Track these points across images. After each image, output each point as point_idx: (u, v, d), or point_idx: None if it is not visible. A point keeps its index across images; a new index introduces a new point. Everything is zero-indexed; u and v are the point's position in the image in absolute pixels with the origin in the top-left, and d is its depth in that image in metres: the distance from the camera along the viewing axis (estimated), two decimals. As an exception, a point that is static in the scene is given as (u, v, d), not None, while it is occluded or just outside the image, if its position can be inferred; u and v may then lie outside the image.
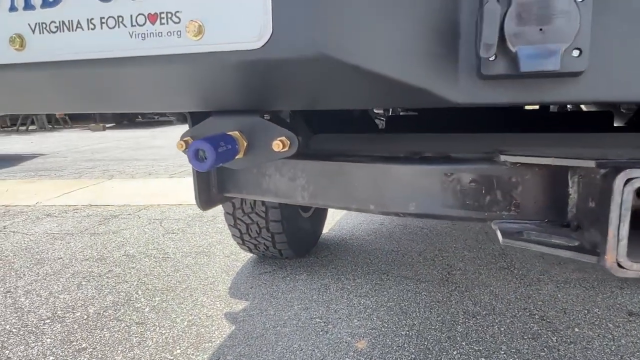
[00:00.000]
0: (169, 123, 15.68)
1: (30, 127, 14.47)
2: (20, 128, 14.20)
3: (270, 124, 0.74)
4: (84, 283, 2.28)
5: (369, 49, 0.52)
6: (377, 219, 3.42)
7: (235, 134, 0.75)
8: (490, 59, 0.53)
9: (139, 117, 17.72)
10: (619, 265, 0.64)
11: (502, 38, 0.52)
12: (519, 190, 0.71)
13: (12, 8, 0.59)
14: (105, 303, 2.05)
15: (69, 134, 13.12)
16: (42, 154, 8.14)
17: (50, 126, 14.84)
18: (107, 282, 2.28)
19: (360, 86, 0.59)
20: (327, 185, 0.86)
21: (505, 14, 0.50)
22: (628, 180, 0.62)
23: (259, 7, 0.52)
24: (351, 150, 0.89)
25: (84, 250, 2.79)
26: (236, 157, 0.75)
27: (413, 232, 3.06)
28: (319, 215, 2.79)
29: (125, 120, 17.31)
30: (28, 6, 0.59)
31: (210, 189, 0.97)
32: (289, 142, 0.73)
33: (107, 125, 15.66)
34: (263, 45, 0.54)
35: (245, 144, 0.76)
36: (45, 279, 2.34)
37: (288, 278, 2.30)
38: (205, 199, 0.97)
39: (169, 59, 0.57)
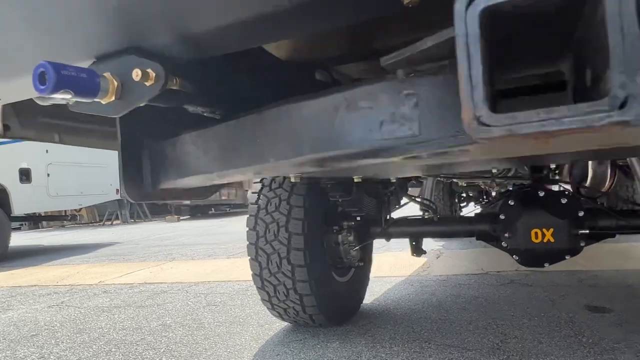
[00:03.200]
0: (242, 213, 16.30)
1: (115, 222, 15.70)
2: (106, 222, 15.46)
3: (134, 57, 0.71)
4: (113, 350, 2.25)
5: None
6: (427, 289, 3.16)
7: (107, 74, 0.73)
8: None
9: (212, 209, 18.71)
10: (480, 123, 0.47)
11: None
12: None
13: None
14: (128, 368, 1.99)
15: (147, 225, 14.04)
16: (118, 242, 8.69)
17: (132, 220, 16.01)
18: (136, 349, 2.24)
19: None
20: (232, 148, 0.78)
21: None
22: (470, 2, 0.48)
23: None
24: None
25: (125, 321, 2.80)
26: (109, 101, 0.72)
27: (466, 301, 2.77)
28: (358, 281, 2.63)
29: (199, 213, 18.31)
30: None
31: (144, 181, 0.92)
32: (154, 74, 0.69)
33: (182, 217, 16.61)
34: None
35: (117, 84, 0.74)
36: (80, 345, 2.35)
37: (318, 346, 2.12)
38: (136, 189, 0.91)
39: None
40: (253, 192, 2.22)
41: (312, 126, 0.67)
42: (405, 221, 2.40)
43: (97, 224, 15.84)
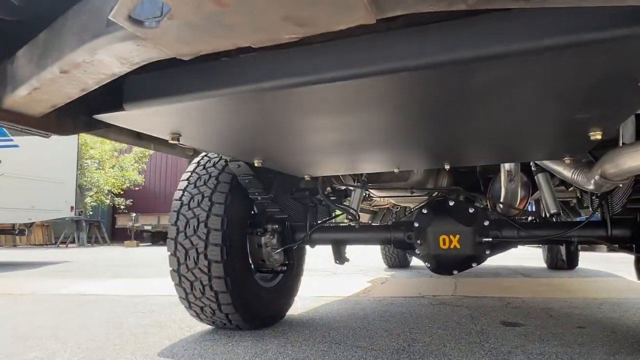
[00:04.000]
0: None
1: (71, 244, 15.16)
2: (61, 244, 14.91)
3: None
4: (16, 342, 2.18)
5: None
6: (359, 306, 3.19)
7: None
8: None
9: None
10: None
11: None
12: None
13: None
14: (27, 357, 1.93)
15: (103, 249, 13.62)
16: (68, 261, 8.40)
17: (89, 244, 15.50)
18: (42, 342, 2.18)
19: None
20: (43, 51, 0.86)
21: None
22: None
23: None
24: None
25: (44, 321, 2.72)
26: None
27: (391, 316, 2.81)
28: (285, 288, 2.65)
29: (161, 240, 17.88)
30: None
31: None
32: None
33: (142, 244, 16.19)
34: None
35: None
36: (-14, 339, 2.27)
37: (230, 344, 2.12)
38: None
39: None
40: (178, 190, 2.27)
41: (83, 17, 0.74)
42: (328, 228, 2.47)
43: (52, 245, 15.27)
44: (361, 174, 2.54)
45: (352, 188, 2.71)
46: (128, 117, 1.13)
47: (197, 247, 2.12)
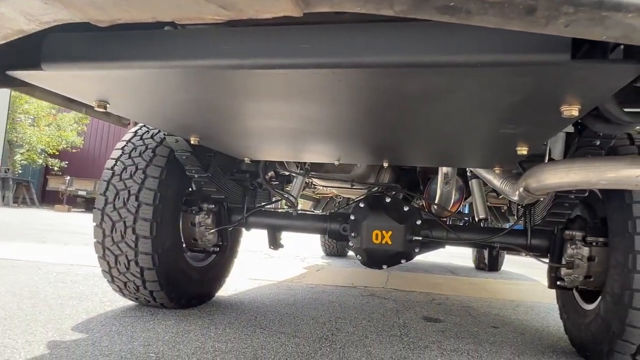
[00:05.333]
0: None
1: (-5, 203, 14.16)
2: (-16, 202, 13.89)
3: None
4: None
5: None
6: (290, 292, 3.22)
7: None
8: None
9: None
10: None
11: None
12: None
13: None
14: None
15: (31, 211, 12.83)
16: (-12, 222, 7.83)
17: (15, 204, 14.56)
18: (-55, 307, 2.02)
19: None
20: None
21: None
22: None
23: None
24: None
25: (-51, 285, 2.52)
26: None
27: (321, 304, 2.86)
28: (216, 269, 2.61)
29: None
30: None
31: None
32: None
33: (75, 210, 15.42)
34: None
35: None
36: None
37: (151, 322, 2.06)
38: None
39: None
40: (111, 158, 2.16)
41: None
42: (265, 213, 2.45)
43: (-28, 202, 14.18)
44: (304, 162, 2.53)
45: (294, 175, 2.70)
46: (47, 78, 1.04)
47: (125, 220, 2.03)
